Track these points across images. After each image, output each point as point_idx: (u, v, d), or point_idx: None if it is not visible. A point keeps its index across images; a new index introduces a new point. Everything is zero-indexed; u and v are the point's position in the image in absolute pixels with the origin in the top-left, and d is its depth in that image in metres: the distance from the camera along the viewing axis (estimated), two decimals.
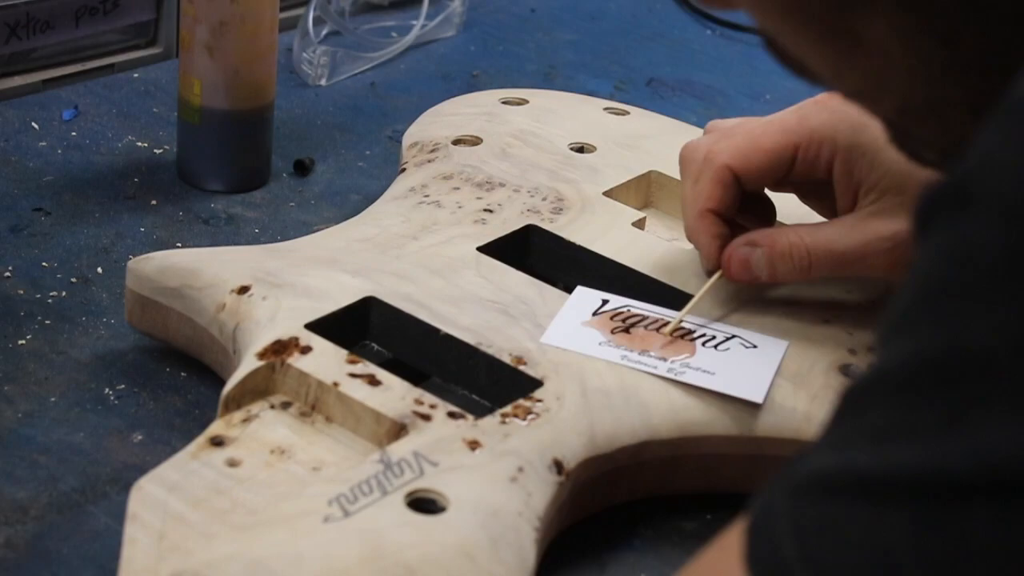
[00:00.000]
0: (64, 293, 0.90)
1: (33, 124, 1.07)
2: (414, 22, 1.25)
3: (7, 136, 1.06)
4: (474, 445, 0.72)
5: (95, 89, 1.12)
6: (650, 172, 0.96)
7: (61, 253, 0.94)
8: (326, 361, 0.76)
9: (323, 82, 1.17)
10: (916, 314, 0.46)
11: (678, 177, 0.87)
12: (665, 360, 0.78)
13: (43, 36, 1.11)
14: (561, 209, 0.91)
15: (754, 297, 0.84)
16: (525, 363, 0.77)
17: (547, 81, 1.22)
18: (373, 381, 0.75)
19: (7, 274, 0.91)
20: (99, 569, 0.71)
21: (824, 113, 0.80)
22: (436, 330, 0.80)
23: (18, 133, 1.06)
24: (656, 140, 0.99)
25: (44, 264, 0.92)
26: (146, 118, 1.10)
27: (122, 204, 1.00)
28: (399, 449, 0.71)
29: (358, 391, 0.74)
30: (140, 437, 0.80)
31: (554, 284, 0.85)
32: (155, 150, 1.06)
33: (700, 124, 1.15)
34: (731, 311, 0.83)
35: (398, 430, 0.72)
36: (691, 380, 0.77)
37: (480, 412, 0.74)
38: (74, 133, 1.07)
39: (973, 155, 0.46)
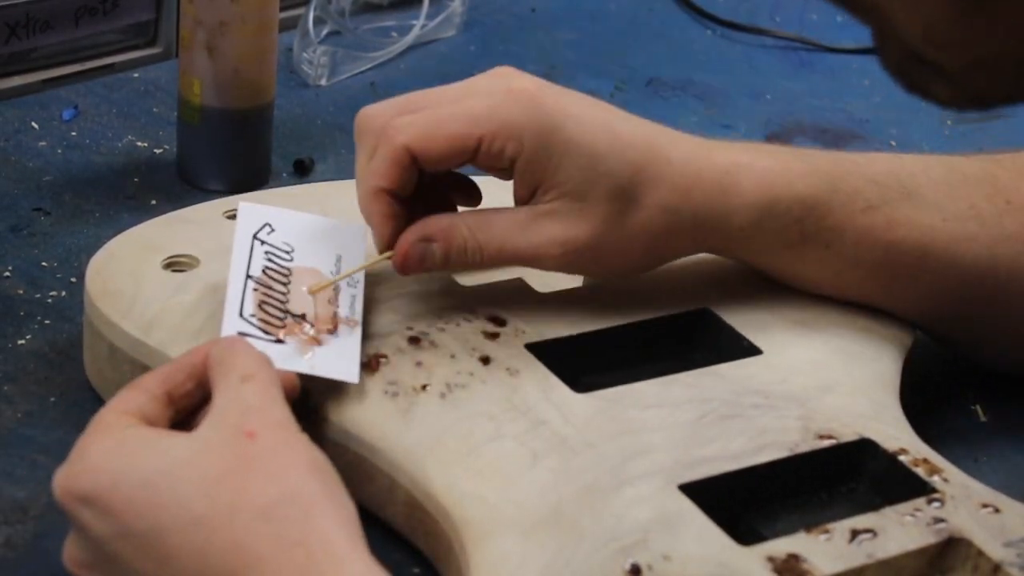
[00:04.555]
0: (64, 293, 0.90)
1: (33, 124, 1.07)
2: (414, 22, 1.25)
3: (7, 136, 1.06)
4: None
5: (95, 89, 1.12)
6: None
7: (61, 253, 0.94)
8: None
9: (323, 82, 1.17)
10: None
11: None
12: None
13: (43, 36, 1.11)
14: None
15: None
16: None
17: (547, 81, 1.22)
18: None
19: (7, 274, 0.91)
20: None
21: (516, 108, 0.78)
22: None
23: (18, 133, 1.06)
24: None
25: (44, 264, 0.92)
26: (146, 118, 1.10)
27: (122, 204, 1.00)
28: None
29: None
30: None
31: None
32: (155, 150, 1.06)
33: (700, 124, 1.15)
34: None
35: None
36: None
37: None
38: (74, 133, 1.07)
39: None
